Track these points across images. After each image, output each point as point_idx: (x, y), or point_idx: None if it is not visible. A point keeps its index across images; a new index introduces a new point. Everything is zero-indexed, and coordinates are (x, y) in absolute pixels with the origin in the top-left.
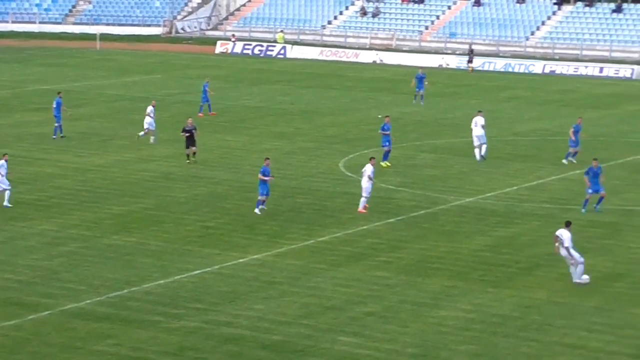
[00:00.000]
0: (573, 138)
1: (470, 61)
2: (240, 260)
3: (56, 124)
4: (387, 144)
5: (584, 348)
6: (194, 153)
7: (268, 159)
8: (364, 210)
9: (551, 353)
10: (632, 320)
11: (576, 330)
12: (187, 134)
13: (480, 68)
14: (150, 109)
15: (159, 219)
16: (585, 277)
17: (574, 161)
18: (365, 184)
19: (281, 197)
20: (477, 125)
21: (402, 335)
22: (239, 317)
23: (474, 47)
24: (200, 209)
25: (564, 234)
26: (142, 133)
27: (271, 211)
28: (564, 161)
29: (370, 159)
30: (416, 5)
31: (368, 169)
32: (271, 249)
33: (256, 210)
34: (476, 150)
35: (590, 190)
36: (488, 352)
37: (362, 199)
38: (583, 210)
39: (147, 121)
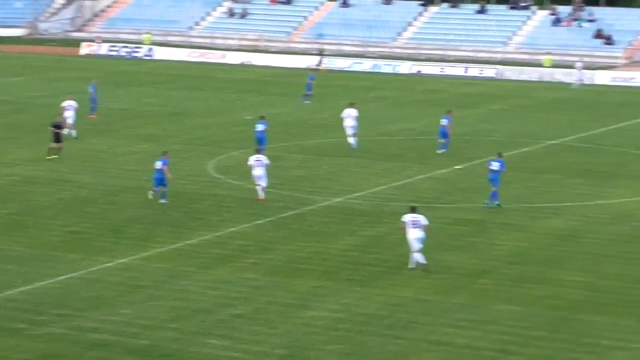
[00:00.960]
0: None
1: (319, 63)
2: (107, 265)
3: None
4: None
5: (449, 344)
6: (59, 148)
7: (166, 152)
8: (264, 198)
9: (417, 350)
10: (496, 316)
11: (442, 327)
12: (56, 129)
13: (348, 69)
14: (68, 103)
15: (22, 224)
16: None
17: (440, 152)
18: (261, 171)
19: (148, 200)
20: (350, 116)
21: (271, 337)
22: (105, 323)
23: (331, 47)
24: (65, 214)
25: (417, 216)
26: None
27: (138, 214)
28: (439, 152)
29: (257, 150)
30: (284, 6)
31: (263, 158)
32: (138, 253)
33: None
34: (349, 139)
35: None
36: (356, 351)
37: (260, 187)
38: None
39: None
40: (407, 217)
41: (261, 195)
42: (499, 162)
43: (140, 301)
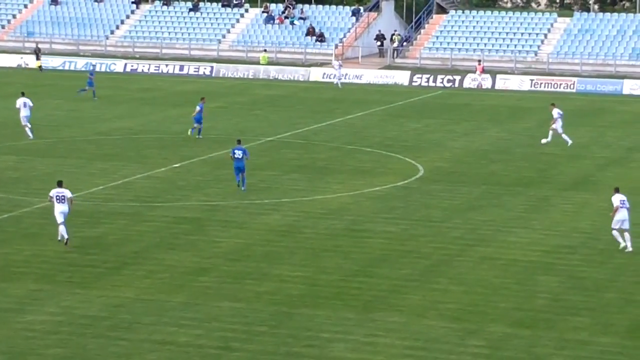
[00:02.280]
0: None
1: (37, 59)
2: None
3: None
4: None
5: (173, 344)
6: None
7: None
8: None
9: (141, 351)
10: (218, 313)
11: (165, 326)
12: None
13: (61, 67)
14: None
15: None
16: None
17: (200, 137)
18: None
19: None
20: (26, 106)
21: None
22: None
23: (43, 46)
24: None
25: (63, 190)
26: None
27: None
28: (189, 133)
29: None
30: None
31: None
32: None
33: None
34: (27, 129)
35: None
36: (77, 354)
37: None
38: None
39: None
40: (53, 192)
41: None
42: (241, 149)
43: None
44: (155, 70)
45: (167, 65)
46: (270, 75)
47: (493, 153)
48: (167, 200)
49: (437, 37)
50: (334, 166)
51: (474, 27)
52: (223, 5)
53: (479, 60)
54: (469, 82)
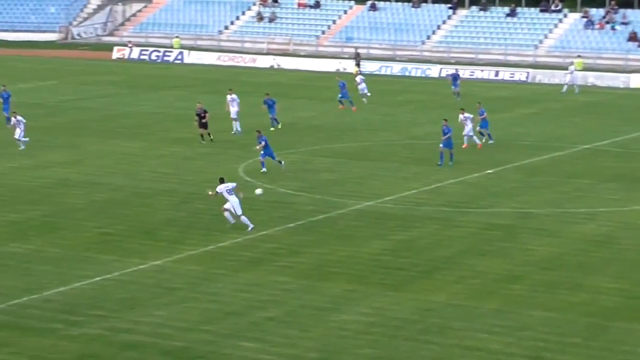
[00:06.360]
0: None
1: (357, 65)
2: (140, 267)
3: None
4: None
5: (483, 350)
6: (209, 134)
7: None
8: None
9: (451, 356)
10: (530, 322)
11: (475, 332)
12: (199, 118)
13: (377, 72)
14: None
15: (56, 225)
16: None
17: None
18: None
19: (180, 202)
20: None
21: (303, 340)
22: (140, 324)
23: (361, 50)
24: (98, 215)
25: (229, 185)
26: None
27: (170, 217)
28: (478, 141)
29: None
30: (312, 10)
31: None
32: (171, 255)
33: None
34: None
35: (441, 145)
36: (388, 355)
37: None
38: (439, 164)
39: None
40: (222, 187)
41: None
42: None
43: (173, 303)
44: (470, 75)
45: (482, 71)
46: (588, 82)
47: None
48: (479, 206)
49: None
50: None
51: None
52: (541, 10)
53: None
54: None
